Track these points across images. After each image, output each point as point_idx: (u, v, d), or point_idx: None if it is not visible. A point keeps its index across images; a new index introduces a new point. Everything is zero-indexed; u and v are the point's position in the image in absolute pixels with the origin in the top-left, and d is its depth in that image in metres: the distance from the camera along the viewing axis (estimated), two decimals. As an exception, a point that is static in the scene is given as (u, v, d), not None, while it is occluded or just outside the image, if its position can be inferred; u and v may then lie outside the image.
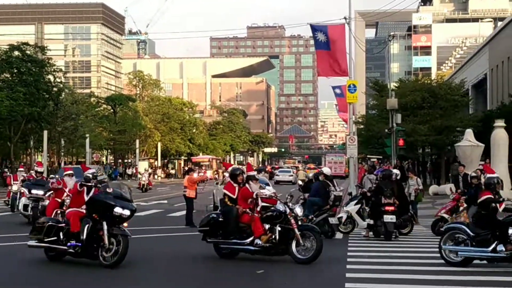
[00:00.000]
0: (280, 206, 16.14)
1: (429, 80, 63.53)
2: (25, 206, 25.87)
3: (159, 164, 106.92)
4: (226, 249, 16.63)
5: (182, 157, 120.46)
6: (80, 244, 15.05)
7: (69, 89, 79.22)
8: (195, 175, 30.30)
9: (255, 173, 17.52)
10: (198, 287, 13.22)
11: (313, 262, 15.47)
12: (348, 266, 15.35)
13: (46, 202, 23.88)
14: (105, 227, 14.78)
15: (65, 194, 21.55)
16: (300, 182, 25.97)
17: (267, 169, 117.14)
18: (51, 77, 67.86)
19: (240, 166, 23.75)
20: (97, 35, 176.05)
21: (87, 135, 74.35)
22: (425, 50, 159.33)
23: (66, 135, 75.24)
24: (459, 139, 43.74)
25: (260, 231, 15.91)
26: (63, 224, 15.83)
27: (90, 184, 15.82)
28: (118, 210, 14.97)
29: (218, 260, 16.59)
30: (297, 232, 15.68)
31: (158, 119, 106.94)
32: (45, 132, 63.41)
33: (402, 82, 62.52)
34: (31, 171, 31.61)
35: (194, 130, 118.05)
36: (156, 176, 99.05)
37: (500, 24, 77.92)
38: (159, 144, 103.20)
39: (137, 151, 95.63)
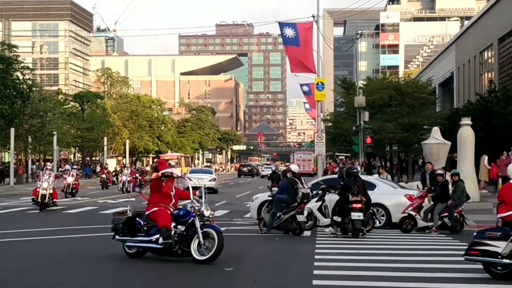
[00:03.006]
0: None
1: (396, 78, 63.89)
2: None
3: (127, 162, 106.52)
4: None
5: (151, 155, 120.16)
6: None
7: (37, 87, 78.38)
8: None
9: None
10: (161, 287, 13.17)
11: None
12: (315, 263, 15.40)
13: None
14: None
15: None
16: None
17: (236, 167, 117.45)
18: (19, 75, 67.26)
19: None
20: (65, 32, 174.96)
21: (55, 132, 73.81)
22: (393, 49, 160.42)
23: (33, 132, 74.56)
24: (426, 137, 44.02)
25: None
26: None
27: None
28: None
29: (184, 259, 16.58)
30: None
31: (126, 117, 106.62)
32: (12, 130, 62.86)
33: (370, 80, 62.82)
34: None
35: (162, 128, 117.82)
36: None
37: (466, 23, 78.63)
38: (127, 142, 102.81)
39: (105, 148, 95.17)
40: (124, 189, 51.32)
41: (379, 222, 24.59)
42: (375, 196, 23.51)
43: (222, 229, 23.64)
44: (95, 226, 24.30)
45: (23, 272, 14.35)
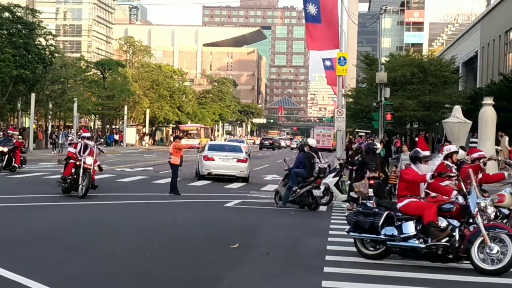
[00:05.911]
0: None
1: (419, 56, 63.35)
2: None
3: (147, 131, 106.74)
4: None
5: (170, 125, 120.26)
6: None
7: (59, 53, 78.19)
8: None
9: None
10: (172, 257, 13.09)
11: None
12: (329, 239, 15.31)
13: None
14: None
15: None
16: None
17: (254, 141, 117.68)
18: (42, 40, 67.15)
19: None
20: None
21: (75, 99, 73.83)
22: (418, 26, 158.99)
23: (54, 98, 74.61)
24: (447, 115, 43.67)
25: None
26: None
27: None
28: None
29: (198, 229, 16.58)
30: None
31: (148, 86, 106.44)
32: (33, 95, 62.92)
33: (393, 57, 62.34)
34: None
35: (183, 98, 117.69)
36: (143, 143, 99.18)
37: (492, 2, 77.65)
38: (148, 111, 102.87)
39: (125, 117, 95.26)
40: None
41: None
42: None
43: (238, 201, 23.67)
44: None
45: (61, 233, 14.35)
